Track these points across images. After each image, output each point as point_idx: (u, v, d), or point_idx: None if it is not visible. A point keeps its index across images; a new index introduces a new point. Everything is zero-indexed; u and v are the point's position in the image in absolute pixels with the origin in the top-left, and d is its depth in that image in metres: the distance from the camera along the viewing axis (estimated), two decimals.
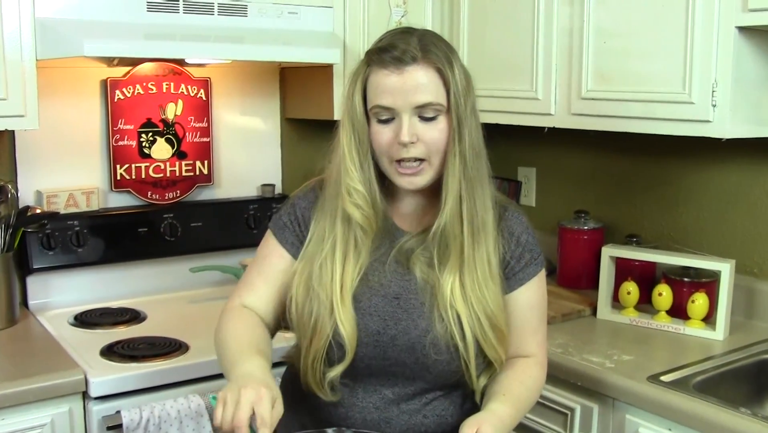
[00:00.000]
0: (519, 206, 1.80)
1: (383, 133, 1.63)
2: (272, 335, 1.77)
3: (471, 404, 1.74)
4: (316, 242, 1.71)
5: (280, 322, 1.81)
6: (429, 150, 1.62)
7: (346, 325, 1.62)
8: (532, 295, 1.75)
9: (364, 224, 1.67)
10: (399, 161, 1.63)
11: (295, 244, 1.76)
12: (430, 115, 1.61)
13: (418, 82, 1.59)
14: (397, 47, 1.60)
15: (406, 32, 1.65)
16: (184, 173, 2.90)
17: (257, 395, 1.41)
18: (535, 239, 1.77)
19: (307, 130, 3.13)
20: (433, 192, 1.70)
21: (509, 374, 1.71)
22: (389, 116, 1.62)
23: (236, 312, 1.74)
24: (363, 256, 1.68)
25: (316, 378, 1.66)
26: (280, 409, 1.44)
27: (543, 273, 1.78)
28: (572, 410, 2.12)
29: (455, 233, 1.64)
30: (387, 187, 1.73)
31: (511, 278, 1.73)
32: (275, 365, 2.23)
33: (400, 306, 1.66)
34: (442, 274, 1.65)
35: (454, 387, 1.71)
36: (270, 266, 1.78)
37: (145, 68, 2.78)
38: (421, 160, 1.63)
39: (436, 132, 1.62)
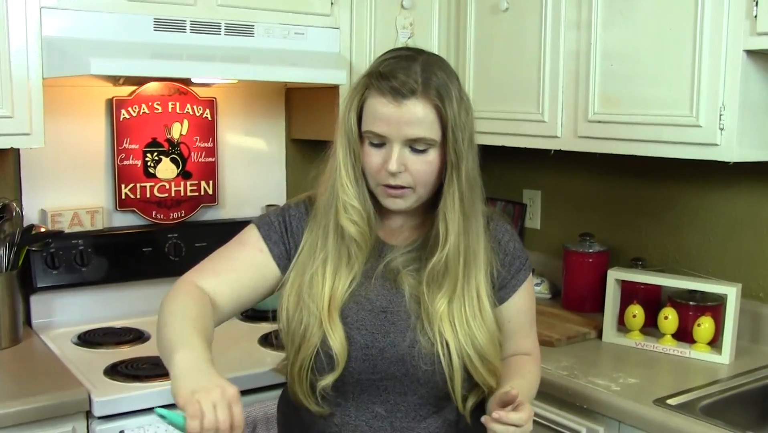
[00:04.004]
0: (502, 215, 1.88)
1: (373, 156, 1.64)
2: (220, 322, 1.71)
3: (465, 424, 1.74)
4: (308, 253, 1.71)
5: (235, 313, 1.77)
6: (415, 180, 1.64)
7: (336, 334, 1.62)
8: (525, 300, 1.83)
9: (359, 240, 1.68)
10: (385, 185, 1.65)
11: (278, 243, 1.75)
12: (420, 148, 1.62)
13: (413, 117, 1.59)
14: (397, 77, 1.58)
15: (410, 58, 1.63)
16: (189, 193, 2.90)
17: (234, 394, 1.40)
18: (521, 244, 1.83)
19: (313, 151, 3.11)
20: (420, 208, 1.72)
21: (512, 370, 1.76)
22: (380, 142, 1.63)
23: (192, 290, 1.69)
24: (355, 270, 1.69)
25: (303, 387, 1.67)
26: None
27: (531, 277, 1.84)
28: None
29: (451, 268, 1.66)
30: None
31: (504, 286, 1.77)
32: (269, 388, 2.21)
33: (388, 319, 1.67)
34: (432, 302, 1.66)
35: (447, 405, 1.71)
36: (245, 255, 1.75)
37: (151, 88, 2.79)
38: (406, 187, 1.65)
39: (424, 164, 1.63)
